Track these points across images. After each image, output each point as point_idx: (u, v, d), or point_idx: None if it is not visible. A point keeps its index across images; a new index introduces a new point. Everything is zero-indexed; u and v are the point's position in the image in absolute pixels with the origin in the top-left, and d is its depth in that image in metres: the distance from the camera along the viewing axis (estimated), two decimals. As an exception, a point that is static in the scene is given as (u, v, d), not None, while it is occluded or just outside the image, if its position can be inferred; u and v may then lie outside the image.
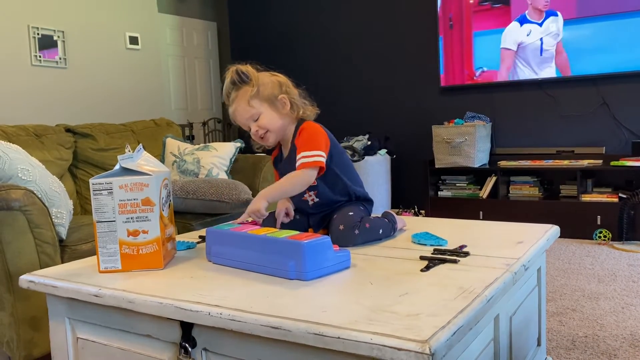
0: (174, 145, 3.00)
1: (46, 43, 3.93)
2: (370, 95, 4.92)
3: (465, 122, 4.18)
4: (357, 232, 1.42)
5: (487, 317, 1.09)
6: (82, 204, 2.77)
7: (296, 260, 1.13)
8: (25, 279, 1.27)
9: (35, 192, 1.81)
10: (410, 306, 0.94)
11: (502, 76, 4.21)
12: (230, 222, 1.45)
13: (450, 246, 1.37)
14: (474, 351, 1.03)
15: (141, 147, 1.39)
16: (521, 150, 4.20)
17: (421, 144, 4.53)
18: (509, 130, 4.28)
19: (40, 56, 3.89)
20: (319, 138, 1.46)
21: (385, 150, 4.57)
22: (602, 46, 3.81)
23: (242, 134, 5.57)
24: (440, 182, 4.33)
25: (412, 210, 4.62)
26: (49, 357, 1.35)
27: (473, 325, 0.92)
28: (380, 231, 1.48)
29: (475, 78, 4.35)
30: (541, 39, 4.00)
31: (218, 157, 2.92)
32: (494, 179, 4.02)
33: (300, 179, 1.41)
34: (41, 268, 1.69)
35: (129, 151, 1.33)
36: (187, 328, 1.04)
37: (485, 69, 4.31)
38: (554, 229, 1.56)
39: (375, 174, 4.35)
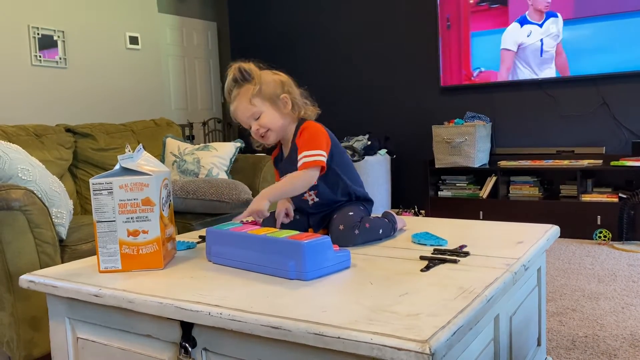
0: (174, 145, 3.00)
1: (46, 43, 3.93)
2: (370, 95, 4.92)
3: (465, 122, 4.18)
4: (357, 232, 1.42)
5: (487, 317, 1.09)
6: (82, 204, 2.77)
7: (296, 260, 1.13)
8: (25, 279, 1.27)
9: (35, 192, 1.81)
10: (410, 306, 0.94)
11: (502, 77, 4.21)
12: (231, 221, 1.44)
13: (450, 246, 1.37)
14: (474, 351, 1.03)
15: (141, 147, 1.39)
16: (521, 150, 4.20)
17: (421, 144, 4.53)
18: (509, 130, 4.28)
19: (40, 56, 3.89)
20: (320, 138, 1.45)
21: (385, 150, 4.57)
22: (602, 46, 3.81)
23: (242, 134, 5.57)
24: (440, 182, 4.33)
25: (412, 210, 4.62)
26: (49, 357, 1.35)
27: (473, 325, 0.92)
28: (380, 231, 1.48)
29: (472, 78, 4.35)
30: (541, 40, 4.00)
31: (218, 157, 2.92)
32: (494, 179, 4.02)
33: (302, 179, 1.41)
34: (41, 268, 1.69)
35: (129, 151, 1.33)
36: (187, 328, 1.04)
37: (482, 69, 4.31)
38: (554, 229, 1.56)
39: (375, 174, 4.35)
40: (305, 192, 1.50)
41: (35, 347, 1.75)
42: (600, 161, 3.75)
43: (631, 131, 3.80)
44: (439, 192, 4.30)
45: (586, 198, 3.64)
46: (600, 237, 3.49)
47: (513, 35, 4.11)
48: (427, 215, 4.26)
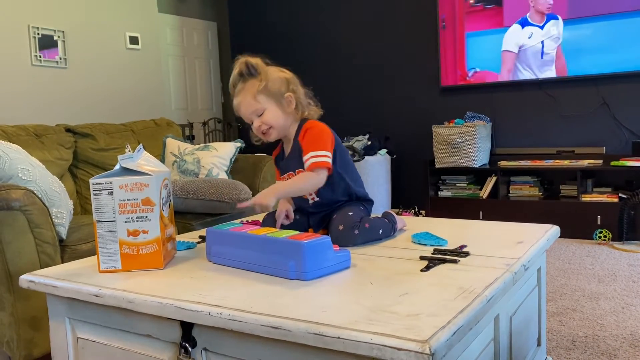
0: (174, 145, 3.00)
1: (46, 43, 3.93)
2: (370, 95, 4.92)
3: (466, 122, 4.18)
4: (356, 232, 1.42)
5: (487, 317, 1.09)
6: (82, 204, 2.77)
7: (296, 260, 1.13)
8: (26, 279, 1.27)
9: (35, 192, 1.81)
10: (410, 306, 0.94)
11: (503, 79, 4.21)
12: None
13: (451, 246, 1.37)
14: (474, 351, 1.03)
15: (141, 147, 1.39)
16: (521, 150, 4.20)
17: (421, 144, 4.53)
18: (509, 130, 4.28)
19: (40, 56, 3.89)
20: (326, 138, 1.46)
21: (385, 150, 4.57)
22: (602, 46, 3.81)
23: (242, 134, 5.57)
24: (440, 182, 4.33)
25: (412, 210, 4.62)
26: (49, 357, 1.35)
27: (473, 325, 0.92)
28: (380, 231, 1.48)
29: (467, 79, 4.36)
30: (542, 42, 4.00)
31: (218, 157, 2.92)
32: (494, 179, 4.02)
33: (312, 180, 1.41)
34: (41, 268, 1.69)
35: (129, 151, 1.33)
36: (187, 328, 1.04)
37: (477, 69, 4.31)
38: (554, 229, 1.56)
39: (375, 174, 4.35)
40: None
41: (35, 347, 1.75)
42: (601, 161, 3.75)
43: (631, 131, 3.80)
44: (439, 192, 4.30)
45: (586, 198, 3.64)
46: (600, 237, 3.49)
47: (514, 36, 4.11)
48: (427, 215, 4.26)
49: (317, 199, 1.52)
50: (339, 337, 0.83)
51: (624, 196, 3.45)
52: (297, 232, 1.26)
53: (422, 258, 1.27)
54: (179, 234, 1.80)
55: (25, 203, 1.73)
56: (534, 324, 1.51)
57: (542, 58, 4.02)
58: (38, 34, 3.87)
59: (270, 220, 1.53)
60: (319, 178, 1.41)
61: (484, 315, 0.99)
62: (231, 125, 5.78)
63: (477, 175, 4.24)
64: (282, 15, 5.34)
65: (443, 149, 4.17)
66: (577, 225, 3.57)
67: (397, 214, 1.80)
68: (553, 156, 4.01)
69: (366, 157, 4.35)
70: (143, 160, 1.36)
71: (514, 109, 4.24)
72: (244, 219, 1.86)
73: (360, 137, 4.55)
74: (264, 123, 1.46)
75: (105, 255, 1.28)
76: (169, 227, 1.36)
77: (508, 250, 1.31)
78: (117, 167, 1.30)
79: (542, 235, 1.47)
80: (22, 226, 1.73)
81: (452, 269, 1.17)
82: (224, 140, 5.73)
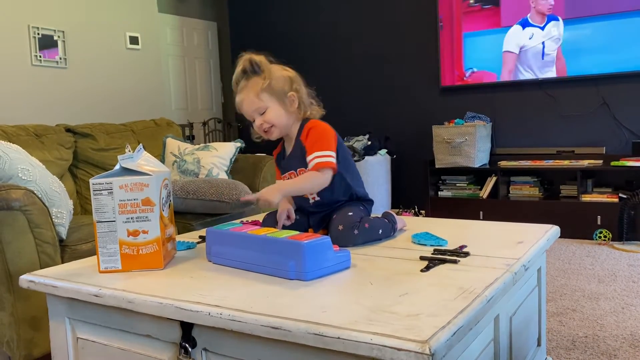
0: (174, 145, 3.00)
1: (46, 43, 3.93)
2: (370, 95, 4.92)
3: (466, 122, 4.18)
4: (356, 232, 1.42)
5: (487, 318, 1.09)
6: (82, 204, 2.77)
7: (296, 260, 1.13)
8: (26, 279, 1.27)
9: (35, 192, 1.81)
10: (410, 306, 0.94)
11: (504, 79, 4.20)
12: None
13: (451, 246, 1.37)
14: (474, 351, 1.03)
15: (141, 147, 1.39)
16: (521, 150, 4.20)
17: (421, 144, 4.53)
18: (509, 130, 4.28)
19: (40, 56, 3.89)
20: (329, 137, 1.46)
21: (386, 150, 4.57)
22: (602, 46, 3.81)
23: (242, 134, 5.57)
24: (440, 182, 4.33)
25: (412, 210, 4.62)
26: (49, 357, 1.35)
27: (473, 325, 0.92)
28: (380, 231, 1.48)
29: (465, 79, 4.36)
30: (543, 43, 4.00)
31: (218, 157, 2.92)
32: (494, 179, 4.02)
33: (317, 180, 1.41)
34: (41, 268, 1.69)
35: (129, 151, 1.33)
36: (187, 328, 1.04)
37: (475, 69, 4.32)
38: (554, 229, 1.56)
39: (375, 174, 4.35)
40: None
41: (35, 347, 1.75)
42: (601, 161, 3.75)
43: (631, 131, 3.80)
44: (439, 192, 4.30)
45: (586, 198, 3.64)
46: (600, 237, 3.49)
47: (515, 37, 4.11)
48: (427, 215, 4.26)
49: (317, 198, 1.52)
50: (339, 338, 0.83)
51: (624, 196, 3.45)
52: (297, 232, 1.26)
53: (422, 258, 1.27)
54: (179, 234, 1.80)
55: (25, 203, 1.73)
56: (534, 324, 1.51)
57: (542, 59, 4.02)
58: (38, 34, 3.87)
59: (270, 220, 1.53)
60: (324, 178, 1.42)
61: (484, 316, 0.99)
62: (231, 125, 5.78)
63: (477, 175, 4.24)
64: (282, 15, 5.34)
65: (443, 149, 4.17)
66: (577, 225, 3.57)
67: (397, 214, 1.80)
68: (553, 156, 4.01)
69: (366, 157, 4.35)
70: (143, 160, 1.36)
71: (514, 109, 4.24)
72: (244, 219, 1.86)
73: (360, 137, 4.55)
74: (266, 121, 1.46)
75: (105, 255, 1.28)
76: (169, 227, 1.36)
77: (508, 251, 1.31)
78: (117, 167, 1.30)
79: (542, 235, 1.47)
80: (22, 226, 1.73)
81: (452, 269, 1.17)
82: (224, 140, 5.73)
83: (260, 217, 1.73)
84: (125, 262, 1.28)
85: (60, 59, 4.02)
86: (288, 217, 1.52)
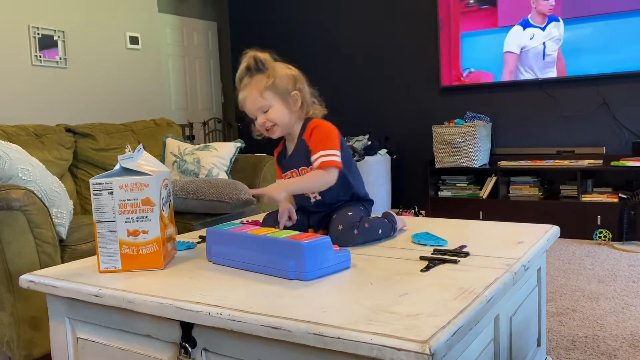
0: (174, 145, 3.00)
1: (46, 43, 3.93)
2: (370, 95, 4.92)
3: (466, 122, 4.18)
4: (356, 231, 1.42)
5: (487, 318, 1.09)
6: (82, 204, 2.77)
7: (296, 260, 1.13)
8: (26, 279, 1.27)
9: (35, 192, 1.81)
10: (410, 306, 0.94)
11: (505, 80, 4.20)
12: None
13: (451, 246, 1.37)
14: (474, 351, 1.03)
15: (141, 147, 1.39)
16: (521, 151, 4.20)
17: (421, 144, 4.53)
18: (509, 130, 4.28)
19: (40, 56, 3.89)
20: (334, 137, 1.46)
21: (386, 150, 4.56)
22: (602, 46, 3.81)
23: (242, 134, 5.57)
24: (440, 182, 4.33)
25: (412, 211, 4.62)
26: (49, 357, 1.35)
27: (473, 325, 0.92)
28: (380, 231, 1.48)
29: (462, 79, 4.37)
30: (544, 44, 4.00)
31: (218, 157, 2.92)
32: (494, 179, 4.02)
33: (323, 178, 1.41)
34: (41, 268, 1.69)
35: (129, 151, 1.33)
36: (187, 328, 1.04)
37: (472, 69, 4.32)
38: (554, 229, 1.56)
39: (375, 174, 4.35)
40: None
41: (36, 347, 1.75)
42: (601, 161, 3.75)
43: (631, 131, 3.80)
44: (439, 192, 4.30)
45: (586, 198, 3.64)
46: (600, 237, 3.49)
47: (516, 38, 4.10)
48: (427, 215, 4.26)
49: (319, 197, 1.51)
50: (338, 338, 0.83)
51: (624, 196, 3.45)
52: (297, 232, 1.26)
53: (422, 258, 1.27)
54: (179, 234, 1.80)
55: (25, 203, 1.73)
56: (534, 324, 1.51)
57: (543, 59, 4.02)
58: (38, 34, 3.87)
59: (270, 220, 1.53)
60: (330, 176, 1.42)
61: (484, 316, 0.99)
62: (231, 125, 5.78)
63: (477, 175, 4.24)
64: (282, 15, 5.34)
65: (443, 149, 4.17)
66: (577, 225, 3.57)
67: (397, 214, 1.80)
68: (553, 156, 4.01)
69: (366, 157, 4.35)
70: (143, 160, 1.36)
71: (514, 109, 4.24)
72: (244, 219, 1.86)
73: (360, 137, 4.55)
74: (268, 120, 1.46)
75: (105, 255, 1.28)
76: (169, 227, 1.36)
77: (508, 251, 1.31)
78: (117, 167, 1.30)
79: (542, 235, 1.47)
80: (22, 226, 1.73)
81: (452, 269, 1.17)
82: (224, 140, 5.73)
83: (260, 217, 1.73)
84: (125, 262, 1.28)
85: (60, 59, 4.02)
86: (289, 218, 1.51)
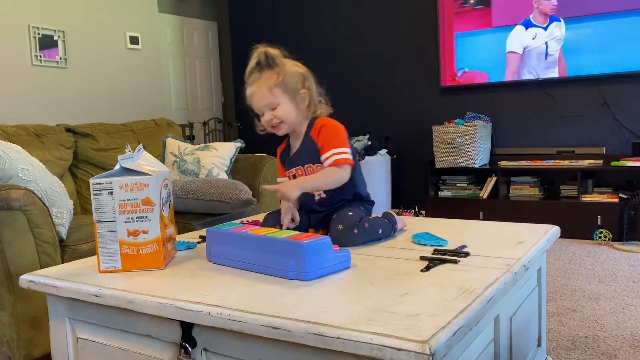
0: (174, 145, 3.00)
1: (46, 43, 3.93)
2: (370, 95, 4.92)
3: (466, 122, 4.18)
4: (356, 231, 1.42)
5: (487, 318, 1.09)
6: (83, 204, 2.77)
7: (296, 260, 1.13)
8: (26, 279, 1.27)
9: (35, 191, 1.81)
10: (410, 306, 0.94)
11: (508, 80, 4.20)
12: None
13: (451, 246, 1.37)
14: (474, 351, 1.03)
15: (141, 147, 1.39)
16: (521, 151, 4.20)
17: (421, 144, 4.53)
18: (509, 131, 4.28)
19: (40, 56, 3.89)
20: (343, 135, 1.47)
21: (386, 150, 4.56)
22: (602, 46, 3.81)
23: (242, 134, 5.57)
24: (440, 182, 4.33)
25: (413, 211, 4.62)
26: (49, 357, 1.35)
27: (473, 325, 0.92)
28: (380, 231, 1.48)
29: (456, 79, 4.37)
30: (546, 43, 4.00)
31: (218, 157, 2.92)
32: (494, 179, 4.02)
33: (337, 176, 1.42)
34: (41, 268, 1.69)
35: (129, 151, 1.33)
36: (187, 328, 1.04)
37: (466, 69, 4.32)
38: (554, 229, 1.56)
39: (375, 174, 4.35)
40: None
41: (36, 346, 1.75)
42: (601, 161, 3.75)
43: (631, 131, 3.80)
44: (439, 192, 4.29)
45: (586, 198, 3.64)
46: (600, 237, 3.49)
47: (518, 38, 4.10)
48: (427, 215, 4.26)
49: (323, 195, 1.51)
50: (339, 338, 0.83)
51: (624, 196, 3.45)
52: (297, 232, 1.26)
53: (422, 258, 1.27)
54: (179, 234, 1.80)
55: (25, 203, 1.73)
56: (534, 325, 1.51)
57: (546, 59, 4.02)
58: (38, 34, 3.86)
59: (270, 220, 1.53)
60: (344, 173, 1.43)
61: (484, 316, 0.99)
62: (231, 125, 5.78)
63: (477, 176, 4.24)
64: (282, 15, 5.34)
65: (443, 149, 4.17)
66: (577, 225, 3.57)
67: (397, 214, 1.79)
68: (553, 156, 4.01)
69: (366, 157, 4.35)
70: (143, 160, 1.36)
71: (514, 109, 4.24)
72: (244, 219, 1.86)
73: (360, 137, 4.55)
74: (276, 117, 1.45)
75: (105, 255, 1.28)
76: (169, 227, 1.36)
77: (508, 251, 1.31)
78: (117, 167, 1.30)
79: (542, 235, 1.47)
80: (22, 226, 1.73)
81: (452, 269, 1.17)
82: (224, 140, 5.73)
83: (260, 217, 1.73)
84: (125, 262, 1.28)
85: (61, 59, 4.02)
86: (292, 220, 1.50)
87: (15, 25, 3.76)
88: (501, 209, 3.93)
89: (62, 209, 1.96)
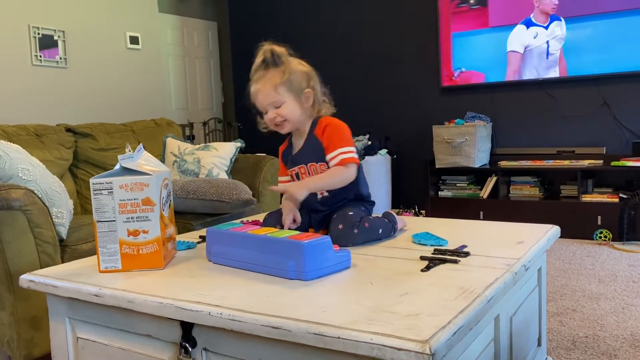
0: (174, 145, 3.00)
1: (47, 43, 3.93)
2: (370, 95, 4.92)
3: (466, 122, 4.18)
4: (356, 231, 1.42)
5: (488, 317, 1.09)
6: (83, 204, 2.77)
7: (296, 260, 1.13)
8: (26, 279, 1.27)
9: (35, 191, 1.81)
10: (410, 306, 0.94)
11: (509, 79, 4.20)
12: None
13: (451, 246, 1.37)
14: (474, 351, 1.03)
15: (141, 146, 1.39)
16: (522, 151, 4.20)
17: (421, 144, 4.53)
18: (509, 130, 4.28)
19: (40, 56, 3.89)
20: (348, 134, 1.47)
21: (386, 150, 4.56)
22: (602, 46, 3.81)
23: (242, 134, 5.57)
24: (440, 182, 4.33)
25: (413, 210, 4.62)
26: (49, 357, 1.35)
27: (473, 325, 0.92)
28: (380, 231, 1.48)
29: (453, 79, 4.37)
30: (547, 42, 3.99)
31: (218, 157, 2.92)
32: (494, 179, 4.02)
33: (344, 175, 1.42)
34: (41, 268, 1.69)
35: (129, 151, 1.33)
36: (187, 328, 1.04)
37: (463, 69, 4.32)
38: (554, 229, 1.56)
39: (375, 174, 4.35)
40: None
41: (36, 346, 1.75)
42: (601, 161, 3.75)
43: (632, 131, 3.80)
44: (440, 192, 4.29)
45: (587, 198, 3.64)
46: (600, 237, 3.49)
47: (519, 37, 4.10)
48: (427, 215, 4.26)
49: (326, 194, 1.51)
50: (339, 337, 0.83)
51: (625, 196, 3.45)
52: (298, 232, 1.26)
53: (422, 258, 1.26)
54: (179, 234, 1.80)
55: (25, 203, 1.73)
56: (534, 324, 1.51)
57: (547, 58, 4.01)
58: (38, 33, 3.86)
59: (271, 220, 1.53)
60: (351, 172, 1.43)
61: (484, 316, 0.99)
62: (231, 125, 5.78)
63: (478, 176, 4.24)
64: (282, 15, 5.34)
65: (443, 149, 4.17)
66: (577, 225, 3.57)
67: (398, 214, 1.79)
68: (553, 156, 4.01)
69: (366, 157, 4.34)
70: (143, 160, 1.36)
71: (514, 109, 4.24)
72: (244, 219, 1.86)
73: (361, 137, 4.55)
74: (280, 115, 1.45)
75: (105, 255, 1.28)
76: (169, 227, 1.36)
77: (508, 251, 1.30)
78: (117, 167, 1.30)
79: (542, 235, 1.47)
80: (22, 226, 1.73)
81: (452, 269, 1.17)
82: (224, 140, 5.73)
83: (260, 217, 1.73)
84: (125, 262, 1.28)
85: (61, 59, 4.02)
86: (294, 221, 1.50)
87: (15, 25, 3.76)
88: (501, 209, 3.93)
89: (62, 208, 1.96)
